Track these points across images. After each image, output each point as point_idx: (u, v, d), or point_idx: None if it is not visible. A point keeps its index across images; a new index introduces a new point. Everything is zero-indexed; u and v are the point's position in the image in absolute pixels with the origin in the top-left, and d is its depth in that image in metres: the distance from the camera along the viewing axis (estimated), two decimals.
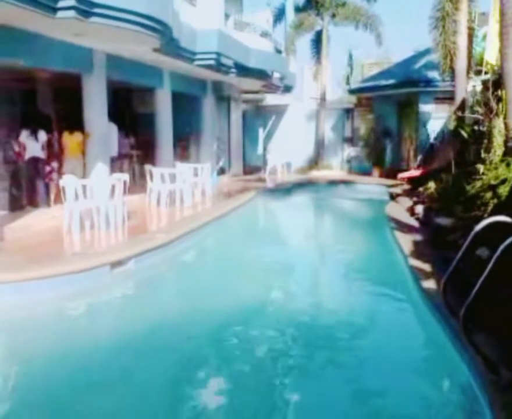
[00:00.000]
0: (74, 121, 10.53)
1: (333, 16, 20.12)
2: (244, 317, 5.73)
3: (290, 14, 20.91)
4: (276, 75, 18.05)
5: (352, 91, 20.79)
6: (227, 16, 15.81)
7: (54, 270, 6.33)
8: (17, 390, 4.35)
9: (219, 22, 13.45)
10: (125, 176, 9.22)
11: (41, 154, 9.53)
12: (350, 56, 22.58)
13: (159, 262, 7.56)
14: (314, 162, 20.30)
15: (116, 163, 11.39)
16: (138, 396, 4.11)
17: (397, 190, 14.23)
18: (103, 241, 8.12)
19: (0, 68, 7.79)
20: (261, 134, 21.25)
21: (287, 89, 20.23)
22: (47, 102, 12.60)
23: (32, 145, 9.43)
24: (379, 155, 18.57)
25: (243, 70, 14.97)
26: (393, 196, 13.57)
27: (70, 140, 10.40)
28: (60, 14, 7.43)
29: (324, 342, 5.11)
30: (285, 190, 15.85)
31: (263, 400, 4.09)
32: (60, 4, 7.35)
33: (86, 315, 6.12)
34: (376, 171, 18.27)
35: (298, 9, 21.02)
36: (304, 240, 10.32)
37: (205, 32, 12.50)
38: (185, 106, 15.50)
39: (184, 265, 8.20)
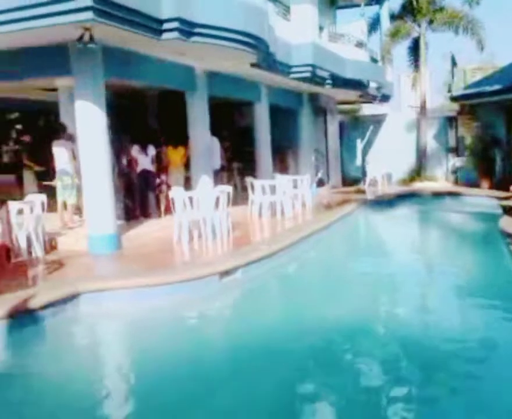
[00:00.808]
0: (178, 135, 11.03)
1: (431, 21, 19.39)
2: (348, 332, 5.54)
3: (385, 23, 20.51)
4: (373, 85, 17.73)
5: (454, 98, 19.84)
6: (321, 28, 15.81)
7: (168, 278, 6.63)
8: (143, 387, 4.52)
9: (313, 35, 13.49)
10: (229, 188, 9.46)
11: (151, 167, 10.07)
12: (453, 61, 21.59)
13: (264, 273, 7.62)
14: (416, 173, 19.55)
15: (218, 176, 11.73)
16: (251, 399, 4.12)
17: (511, 203, 13.26)
18: (210, 251, 8.36)
19: (114, 87, 8.36)
20: (359, 145, 20.90)
21: (385, 98, 19.79)
22: (154, 117, 13.33)
23: (143, 159, 10.01)
24: (487, 165, 17.49)
25: (339, 81, 14.89)
26: (507, 210, 12.64)
27: (174, 154, 10.92)
28: (164, 36, 7.87)
29: (442, 366, 4.71)
30: (387, 202, 15.39)
31: None
32: (164, 27, 7.79)
33: (198, 322, 6.31)
34: (484, 183, 17.19)
35: (393, 17, 20.54)
36: (409, 254, 9.90)
37: (300, 46, 12.64)
38: (283, 119, 15.69)
39: (288, 276, 8.21)
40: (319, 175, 16.98)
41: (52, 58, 7.95)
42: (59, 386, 4.44)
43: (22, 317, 5.39)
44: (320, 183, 16.96)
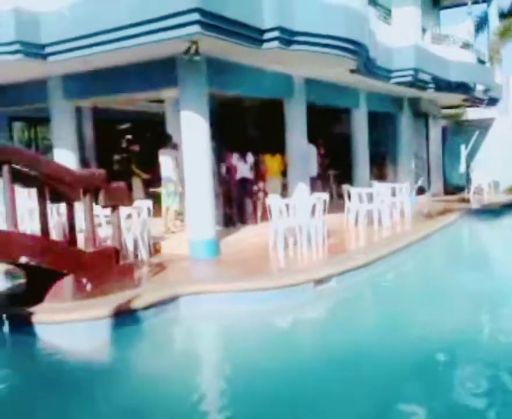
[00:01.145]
0: (276, 143, 11.17)
1: None
2: (446, 347, 5.25)
3: (494, 21, 19.26)
4: (479, 87, 16.71)
5: None
6: (423, 30, 15.21)
7: (264, 283, 6.74)
8: (234, 391, 4.61)
9: (416, 38, 13.00)
10: (325, 196, 9.40)
11: (249, 175, 10.30)
12: None
13: (359, 283, 7.48)
14: None
15: (314, 183, 11.70)
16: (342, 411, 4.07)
17: None
18: (305, 258, 8.36)
19: (215, 97, 8.67)
20: (463, 151, 19.78)
21: (492, 101, 18.54)
22: (252, 126, 13.62)
23: (242, 166, 10.26)
24: None
25: (442, 85, 14.22)
26: None
27: (272, 162, 11.07)
28: (265, 45, 7.99)
29: None
30: (493, 211, 14.39)
31: None
32: (265, 37, 7.91)
33: (292, 328, 6.32)
34: None
35: (503, 15, 19.25)
36: None
37: (401, 49, 12.23)
38: (381, 125, 15.30)
39: (384, 287, 7.96)
40: (419, 183, 16.31)
41: (160, 71, 8.42)
42: (157, 384, 4.65)
43: (127, 316, 5.75)
44: (420, 191, 16.28)
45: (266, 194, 10.27)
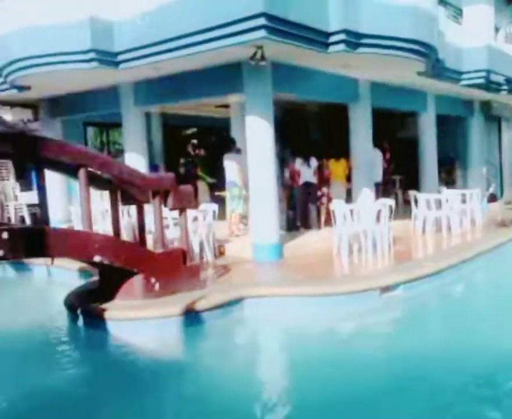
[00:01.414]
0: (340, 148, 11.06)
1: None
2: None
3: None
4: None
5: None
6: (496, 29, 14.54)
7: (328, 289, 6.69)
8: (295, 394, 4.64)
9: (488, 37, 12.45)
10: (391, 201, 9.20)
11: (313, 179, 10.26)
12: None
13: (427, 292, 7.24)
14: None
15: (379, 189, 11.47)
16: None
17: None
18: (370, 265, 8.20)
19: (278, 102, 8.72)
20: None
21: None
22: (316, 130, 13.55)
23: (305, 171, 10.23)
24: None
25: None
26: None
27: (336, 166, 10.96)
28: (331, 48, 7.94)
29: None
30: None
31: None
32: (331, 40, 7.85)
33: (355, 335, 6.21)
34: None
35: None
36: None
37: (472, 50, 11.77)
38: (451, 128, 14.79)
39: (454, 297, 7.68)
40: (491, 189, 15.58)
41: (226, 77, 8.57)
42: (221, 383, 4.76)
43: (194, 315, 5.91)
44: (492, 198, 15.55)
45: (329, 199, 10.19)
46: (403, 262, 8.14)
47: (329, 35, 7.80)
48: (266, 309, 6.36)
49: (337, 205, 8.80)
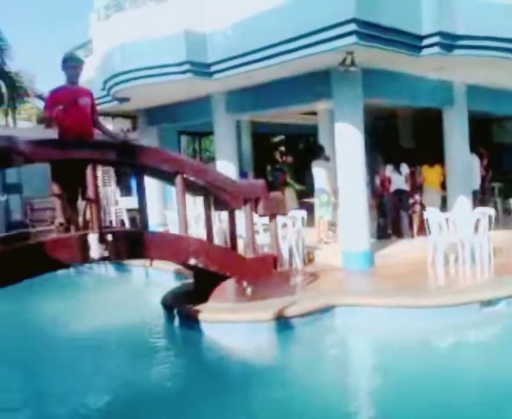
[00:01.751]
0: (434, 154, 10.59)
1: None
2: None
3: None
4: None
5: None
6: None
7: (421, 301, 6.41)
8: (384, 408, 4.48)
9: None
10: (491, 210, 8.65)
11: (404, 187, 9.93)
12: None
13: None
14: None
15: (477, 197, 10.85)
16: None
17: None
18: (468, 277, 7.75)
19: (367, 108, 8.54)
20: None
21: None
22: (407, 136, 13.11)
23: (396, 178, 9.93)
24: None
25: None
26: None
27: (430, 173, 10.50)
28: (424, 52, 7.63)
29: None
30: None
31: None
32: (424, 43, 7.55)
33: (451, 351, 5.88)
34: None
35: None
36: None
37: None
38: None
39: None
40: None
41: (315, 84, 8.53)
42: (310, 390, 4.69)
43: (285, 321, 5.91)
44: None
45: (423, 206, 9.79)
46: (505, 275, 7.61)
47: (422, 38, 7.52)
48: (356, 319, 6.21)
49: (432, 213, 8.42)
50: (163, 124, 12.25)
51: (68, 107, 5.57)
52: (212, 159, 14.28)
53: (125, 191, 13.38)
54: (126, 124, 12.98)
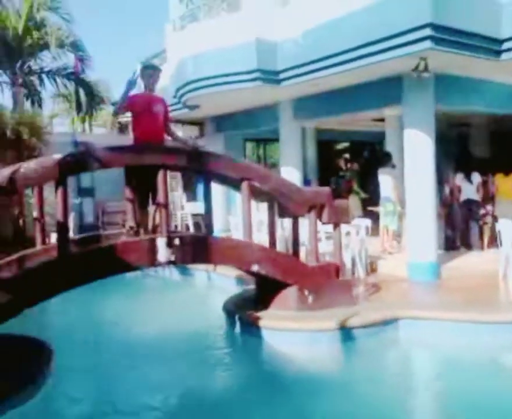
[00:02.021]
0: (509, 163, 10.07)
1: None
2: None
3: None
4: None
5: None
6: None
7: (493, 316, 6.10)
8: None
9: None
10: None
11: (475, 196, 9.52)
12: None
13: None
14: None
15: None
16: None
17: None
18: None
19: (440, 115, 8.26)
20: None
21: None
22: (481, 144, 12.57)
23: (467, 187, 9.53)
24: None
25: None
26: None
27: (504, 183, 9.98)
28: (504, 56, 7.29)
29: None
30: None
31: None
32: (504, 47, 7.21)
33: None
34: None
35: None
36: None
37: None
38: None
39: None
40: None
41: (385, 90, 8.36)
42: (371, 404, 4.60)
43: (347, 331, 5.83)
44: None
45: (495, 218, 9.32)
46: None
47: (501, 41, 7.20)
48: (421, 333, 6.02)
49: (505, 225, 8.02)
50: (229, 131, 12.48)
51: (142, 113, 5.78)
52: (275, 166, 14.35)
53: (191, 196, 13.71)
54: (194, 131, 13.31)
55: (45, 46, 15.66)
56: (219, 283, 8.96)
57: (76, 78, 16.35)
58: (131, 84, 5.78)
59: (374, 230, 9.52)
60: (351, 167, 13.21)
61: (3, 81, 15.75)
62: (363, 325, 5.91)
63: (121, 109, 5.96)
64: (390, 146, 10.40)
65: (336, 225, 6.68)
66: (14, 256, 5.40)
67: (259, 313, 6.17)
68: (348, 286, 6.73)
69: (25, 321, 4.81)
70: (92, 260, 5.03)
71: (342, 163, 14.10)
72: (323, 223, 6.88)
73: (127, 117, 8.11)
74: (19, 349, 4.82)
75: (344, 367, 5.67)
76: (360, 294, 7.26)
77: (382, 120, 11.29)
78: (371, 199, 10.85)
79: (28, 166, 4.86)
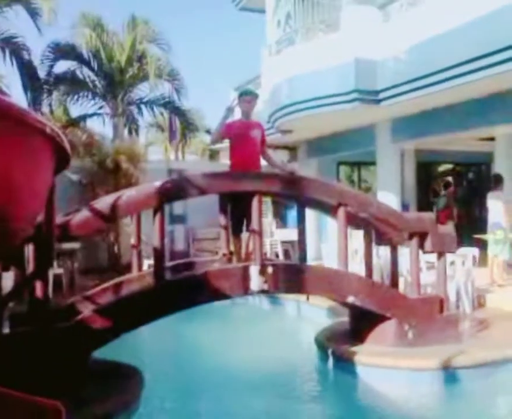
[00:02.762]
0: None
1: None
2: None
3: None
4: None
5: None
6: None
7: None
8: None
9: None
10: None
11: None
12: None
13: None
14: None
15: None
16: None
17: None
18: None
19: None
20: None
21: None
22: None
23: None
24: None
25: None
26: None
27: None
28: None
29: None
30: None
31: None
32: None
33: None
34: None
35: None
36: None
37: None
38: None
39: None
40: None
41: (496, 106, 7.95)
42: None
43: (450, 372, 5.45)
44: None
45: None
46: None
47: None
48: None
49: None
50: (322, 155, 12.43)
51: (239, 139, 5.87)
52: (369, 190, 14.02)
53: (281, 222, 13.74)
54: (285, 155, 13.43)
55: (144, 77, 16.59)
56: (310, 314, 8.81)
57: (172, 107, 17.15)
58: (229, 110, 5.94)
59: (482, 260, 8.93)
60: (451, 191, 12.56)
61: (105, 112, 16.90)
62: (469, 365, 5.49)
63: (218, 136, 6.11)
64: (500, 168, 9.78)
65: (440, 254, 6.33)
66: (111, 283, 5.67)
67: (354, 348, 5.95)
68: (452, 322, 6.31)
69: (117, 346, 4.97)
70: (187, 287, 5.15)
71: (442, 187, 13.47)
72: (425, 252, 6.56)
73: (221, 144, 8.35)
74: (113, 374, 4.98)
75: (447, 412, 5.26)
76: (466, 330, 6.79)
77: (491, 139, 10.67)
78: (476, 226, 10.23)
79: (130, 194, 5.11)
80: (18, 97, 14.86)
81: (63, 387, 4.01)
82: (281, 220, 13.88)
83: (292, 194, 6.10)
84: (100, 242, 12.32)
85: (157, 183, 5.16)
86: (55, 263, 9.19)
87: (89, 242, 11.40)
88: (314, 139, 12.05)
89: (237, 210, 5.79)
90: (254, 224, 5.44)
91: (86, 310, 4.88)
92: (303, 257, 5.92)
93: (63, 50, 15.81)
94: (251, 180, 5.55)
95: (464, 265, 7.90)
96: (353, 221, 6.42)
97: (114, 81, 16.08)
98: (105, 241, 12.42)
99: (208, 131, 23.75)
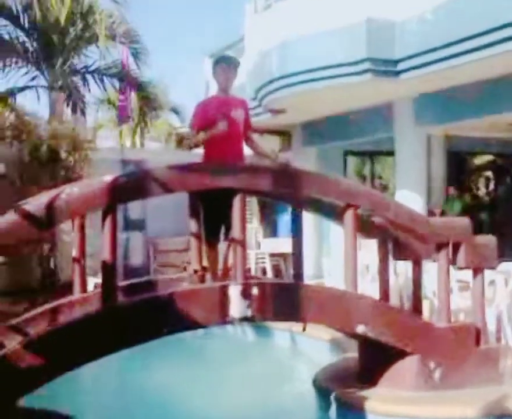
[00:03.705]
0: None
1: None
2: None
3: None
4: None
5: None
6: None
7: None
8: None
9: None
10: None
11: None
12: None
13: None
14: None
15: None
16: None
17: None
18: None
19: None
20: None
21: None
22: None
23: None
24: None
25: None
26: None
27: None
28: None
29: None
30: None
31: None
32: None
33: None
34: None
35: None
36: None
37: None
38: None
39: None
40: None
41: None
42: None
43: None
44: None
45: None
46: None
47: None
48: None
49: None
50: (324, 143, 12.47)
51: (217, 122, 5.80)
52: (385, 188, 14.12)
53: (269, 230, 13.76)
54: (275, 143, 13.46)
55: (92, 39, 16.48)
56: (307, 348, 8.85)
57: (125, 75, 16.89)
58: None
59: None
60: (493, 190, 12.75)
61: (39, 85, 16.78)
62: None
63: (198, 131, 5.96)
64: None
65: (477, 271, 6.39)
66: (45, 307, 5.62)
67: (363, 392, 5.98)
68: (492, 357, 6.40)
69: (49, 389, 4.90)
70: (146, 313, 5.12)
71: (482, 184, 13.66)
72: (460, 268, 6.62)
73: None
74: None
75: None
76: (509, 368, 6.90)
77: None
78: None
79: (71, 191, 5.05)
80: None
81: None
82: (269, 226, 13.90)
83: (285, 192, 6.10)
84: (31, 255, 12.18)
85: (108, 178, 5.12)
86: None
87: (16, 255, 11.26)
88: (313, 121, 12.09)
89: (212, 213, 5.79)
90: (235, 232, 5.42)
91: (11, 343, 4.83)
92: (298, 274, 5.92)
93: None
94: (231, 174, 5.52)
95: (506, 285, 7.98)
96: (364, 228, 6.47)
97: (52, 44, 15.97)
98: (36, 254, 12.27)
99: (175, 111, 23.71)
